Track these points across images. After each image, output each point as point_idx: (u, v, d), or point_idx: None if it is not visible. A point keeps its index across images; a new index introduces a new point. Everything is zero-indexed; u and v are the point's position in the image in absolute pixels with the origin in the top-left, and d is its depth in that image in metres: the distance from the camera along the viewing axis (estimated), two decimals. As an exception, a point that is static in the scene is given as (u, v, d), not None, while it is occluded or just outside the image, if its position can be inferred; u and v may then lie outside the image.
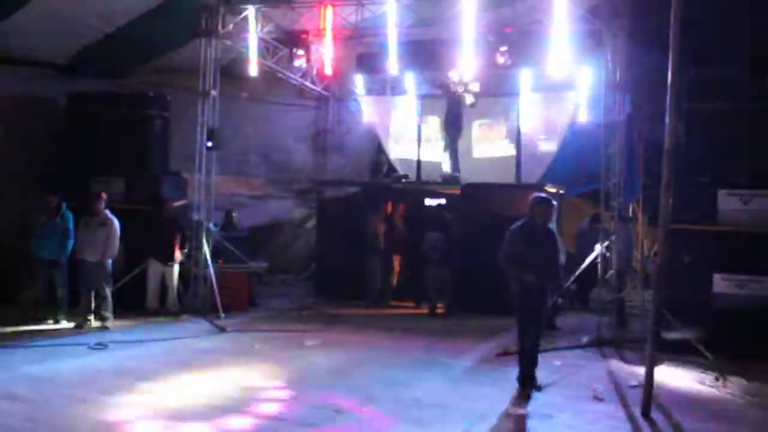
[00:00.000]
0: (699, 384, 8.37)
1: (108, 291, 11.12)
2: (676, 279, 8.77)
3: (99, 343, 9.73)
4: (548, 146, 15.84)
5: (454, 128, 15.08)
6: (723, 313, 9.69)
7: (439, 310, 12.95)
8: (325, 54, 13.10)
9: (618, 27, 11.15)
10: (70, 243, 11.17)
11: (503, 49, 12.08)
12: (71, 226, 11.17)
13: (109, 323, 11.00)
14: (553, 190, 13.69)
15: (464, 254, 12.93)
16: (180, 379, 8.12)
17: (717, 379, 8.45)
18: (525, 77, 15.50)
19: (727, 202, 9.90)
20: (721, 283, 9.84)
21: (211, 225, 12.87)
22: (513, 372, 8.01)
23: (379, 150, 17.41)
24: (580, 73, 14.41)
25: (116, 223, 11.16)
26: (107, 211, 11.22)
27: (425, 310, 13.11)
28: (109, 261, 11.16)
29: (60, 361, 8.87)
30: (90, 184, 12.25)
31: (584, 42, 12.16)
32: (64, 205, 11.25)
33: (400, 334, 11.20)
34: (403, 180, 15.42)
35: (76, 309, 11.14)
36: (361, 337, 10.84)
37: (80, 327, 10.85)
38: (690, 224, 9.67)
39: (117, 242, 11.16)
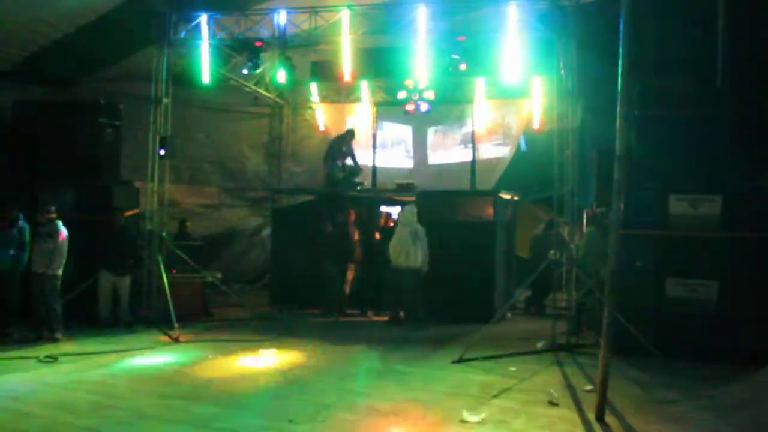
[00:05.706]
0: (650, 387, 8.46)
1: (56, 303, 10.87)
2: (628, 283, 8.89)
3: (49, 356, 9.53)
4: (503, 153, 15.98)
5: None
6: (675, 315, 9.82)
7: (399, 317, 12.90)
8: (279, 61, 13.05)
9: (569, 35, 11.30)
10: (25, 255, 10.92)
11: (456, 56, 12.19)
12: (27, 238, 10.93)
13: (59, 335, 10.77)
14: (508, 197, 13.79)
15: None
16: (133, 391, 7.97)
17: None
18: (479, 85, 15.62)
19: (678, 206, 10.05)
20: (673, 287, 9.99)
21: (163, 234, 12.72)
22: (467, 379, 7.99)
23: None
24: (534, 80, 14.56)
25: (65, 233, 10.89)
26: (57, 222, 10.93)
27: (382, 318, 13.08)
28: (59, 272, 10.92)
29: (8, 374, 8.67)
30: (38, 195, 11.99)
31: (537, 50, 12.30)
32: (21, 216, 10.98)
33: (355, 342, 11.14)
34: (358, 187, 15.37)
35: (30, 321, 10.91)
36: (315, 346, 10.76)
37: (31, 339, 10.62)
38: (641, 229, 9.79)
39: (63, 254, 10.88)
